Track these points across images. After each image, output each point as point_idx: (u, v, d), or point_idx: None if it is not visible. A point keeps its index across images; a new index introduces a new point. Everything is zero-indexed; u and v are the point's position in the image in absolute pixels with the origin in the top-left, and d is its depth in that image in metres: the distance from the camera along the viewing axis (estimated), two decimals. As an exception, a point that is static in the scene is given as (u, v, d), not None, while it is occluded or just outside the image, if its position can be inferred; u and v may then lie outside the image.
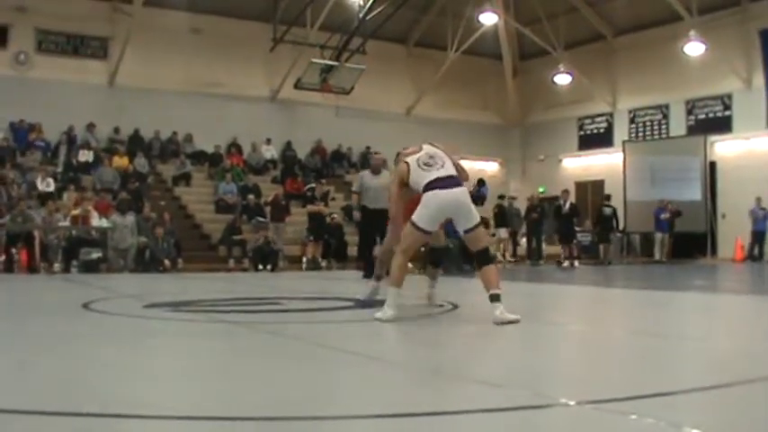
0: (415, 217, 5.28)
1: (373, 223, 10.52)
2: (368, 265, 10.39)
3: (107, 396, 2.82)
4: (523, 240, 19.76)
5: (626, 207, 21.83)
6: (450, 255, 14.78)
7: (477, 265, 5.44)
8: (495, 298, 5.07)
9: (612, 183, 23.57)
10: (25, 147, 18.94)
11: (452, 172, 5.38)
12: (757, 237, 19.71)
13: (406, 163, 5.49)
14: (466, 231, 5.29)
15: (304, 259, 16.63)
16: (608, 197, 20.44)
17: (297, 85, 19.80)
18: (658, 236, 20.38)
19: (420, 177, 5.34)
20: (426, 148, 5.59)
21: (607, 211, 19.86)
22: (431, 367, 3.65)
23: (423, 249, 7.22)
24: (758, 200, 19.65)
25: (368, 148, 23.62)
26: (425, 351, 4.30)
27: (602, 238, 19.82)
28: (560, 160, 26.29)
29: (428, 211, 5.25)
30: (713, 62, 21.08)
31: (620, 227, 20.72)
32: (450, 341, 4.67)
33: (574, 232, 18.70)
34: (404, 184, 5.52)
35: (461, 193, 5.31)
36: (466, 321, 5.65)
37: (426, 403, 2.72)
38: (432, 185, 5.24)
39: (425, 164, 5.38)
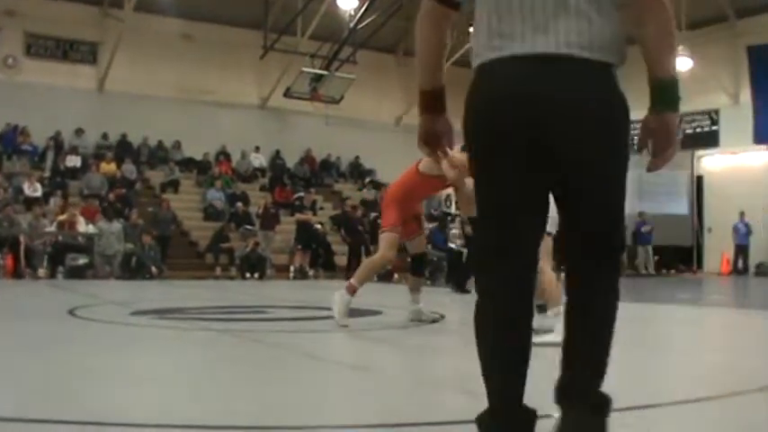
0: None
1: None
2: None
3: (91, 403, 2.80)
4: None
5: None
6: (440, 267, 14.75)
7: None
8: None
9: (600, 195, 23.67)
10: (12, 151, 18.82)
11: None
12: (740, 250, 19.90)
13: None
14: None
15: (292, 268, 16.59)
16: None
17: (287, 94, 19.78)
18: (641, 249, 20.66)
19: None
20: None
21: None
22: (418, 377, 3.65)
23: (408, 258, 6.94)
24: (741, 214, 19.82)
25: (357, 157, 23.63)
26: (413, 361, 4.29)
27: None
28: (549, 172, 26.34)
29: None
30: (701, 77, 21.20)
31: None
32: (438, 351, 4.67)
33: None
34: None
35: None
36: (453, 332, 5.65)
37: (412, 414, 2.72)
38: None
39: None
